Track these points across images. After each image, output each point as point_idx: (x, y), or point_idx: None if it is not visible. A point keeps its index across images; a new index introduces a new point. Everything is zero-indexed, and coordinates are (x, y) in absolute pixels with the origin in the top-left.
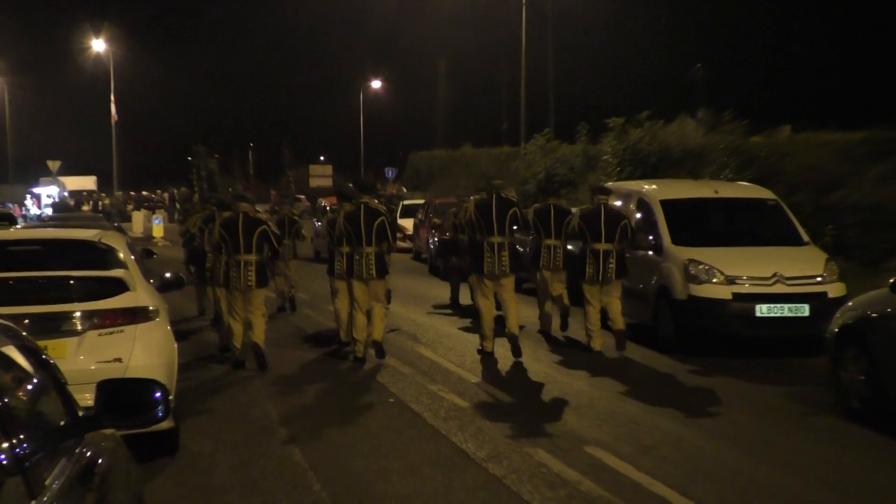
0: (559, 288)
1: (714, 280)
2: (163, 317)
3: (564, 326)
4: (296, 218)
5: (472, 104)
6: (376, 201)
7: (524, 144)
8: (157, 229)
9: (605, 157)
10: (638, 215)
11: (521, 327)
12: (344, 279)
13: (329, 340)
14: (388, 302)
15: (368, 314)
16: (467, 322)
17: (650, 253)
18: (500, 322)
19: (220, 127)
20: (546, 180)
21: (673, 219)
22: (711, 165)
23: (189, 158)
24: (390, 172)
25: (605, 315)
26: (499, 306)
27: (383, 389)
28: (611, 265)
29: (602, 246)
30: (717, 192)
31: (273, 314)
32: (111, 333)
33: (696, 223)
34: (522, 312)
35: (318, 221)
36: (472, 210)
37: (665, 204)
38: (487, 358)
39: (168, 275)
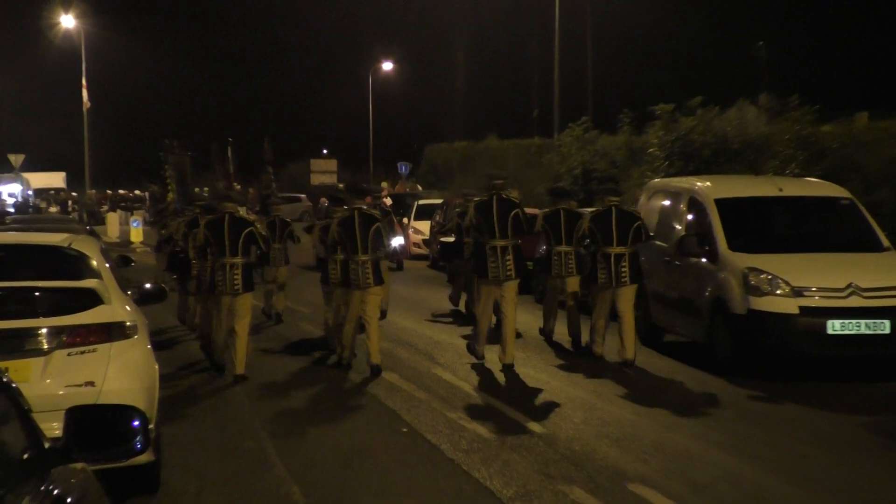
0: (570, 298)
1: (778, 292)
2: (142, 333)
3: (578, 337)
4: (288, 220)
5: (498, 89)
6: (375, 201)
7: (558, 135)
8: (136, 233)
9: (651, 149)
10: (689, 217)
11: (518, 335)
12: (339, 288)
13: (328, 357)
14: (383, 316)
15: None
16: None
17: (703, 261)
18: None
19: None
20: (583, 176)
21: (730, 221)
22: (775, 159)
23: (160, 154)
24: (403, 168)
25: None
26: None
27: (395, 417)
28: (623, 269)
29: (614, 249)
30: (781, 189)
31: (258, 324)
32: (82, 353)
33: (758, 226)
34: (524, 319)
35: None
36: (471, 212)
37: (721, 203)
38: (478, 366)
39: (148, 285)
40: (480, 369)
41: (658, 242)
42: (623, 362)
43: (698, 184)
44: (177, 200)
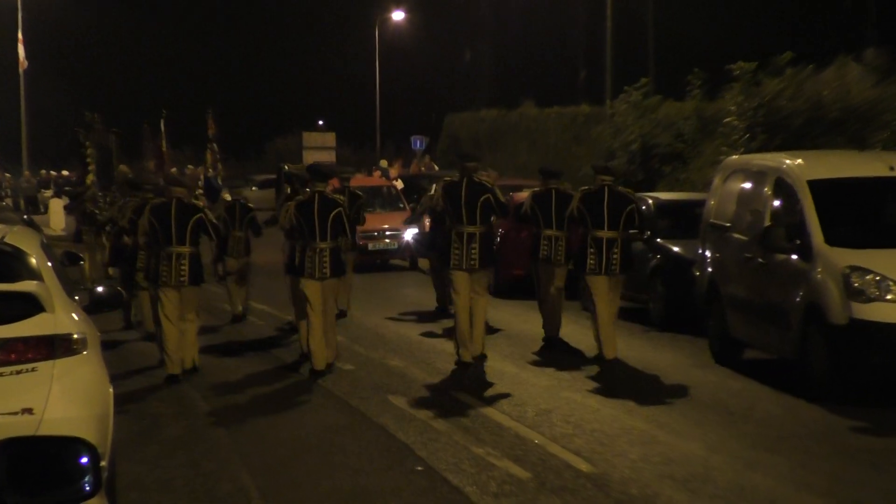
0: (555, 289)
1: (888, 297)
2: (92, 348)
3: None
4: (250, 205)
5: (535, 45)
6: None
7: (610, 102)
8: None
9: (727, 119)
10: (775, 203)
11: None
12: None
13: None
14: (342, 315)
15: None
16: (530, 355)
17: (794, 258)
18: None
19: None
20: (642, 153)
21: (827, 208)
22: (885, 130)
23: (80, 130)
24: (418, 143)
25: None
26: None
27: (407, 453)
28: (615, 256)
29: (605, 234)
30: (893, 168)
31: (216, 327)
32: (18, 373)
33: (862, 214)
34: (503, 316)
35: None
36: (439, 195)
37: (816, 186)
38: (463, 371)
39: (100, 288)
40: (518, 394)
41: (736, 235)
42: (603, 358)
43: (787, 161)
44: (97, 185)
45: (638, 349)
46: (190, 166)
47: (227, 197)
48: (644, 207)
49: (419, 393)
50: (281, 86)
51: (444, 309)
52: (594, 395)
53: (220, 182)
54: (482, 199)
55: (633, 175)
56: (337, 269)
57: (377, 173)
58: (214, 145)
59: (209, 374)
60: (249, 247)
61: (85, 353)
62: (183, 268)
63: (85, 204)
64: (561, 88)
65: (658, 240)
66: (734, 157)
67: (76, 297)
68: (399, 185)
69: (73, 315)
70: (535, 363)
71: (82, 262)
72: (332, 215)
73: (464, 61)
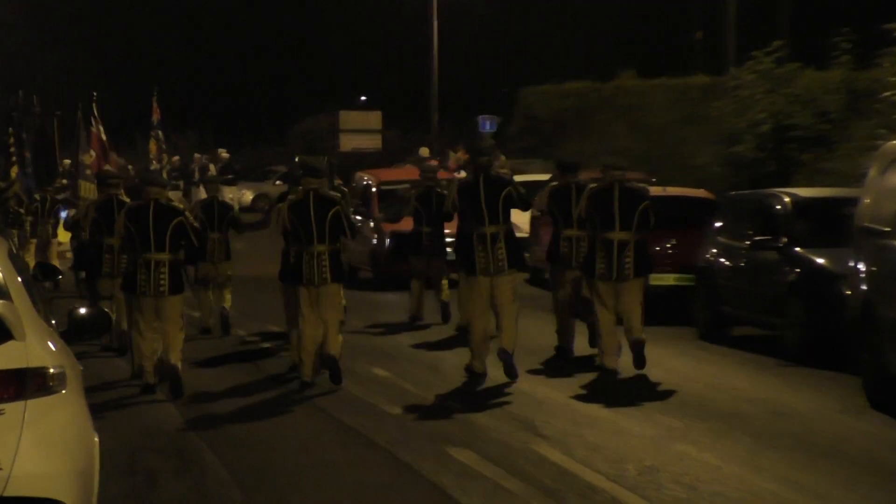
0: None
1: None
2: (72, 386)
3: (593, 342)
4: (229, 202)
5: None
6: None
7: (734, 71)
8: (63, 231)
9: (886, 93)
10: None
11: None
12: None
13: (326, 393)
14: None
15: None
16: (624, 394)
17: None
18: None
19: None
20: (774, 136)
21: None
22: None
23: (13, 115)
24: (487, 124)
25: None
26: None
27: None
28: (627, 260)
29: (616, 235)
30: None
31: (193, 337)
32: None
33: None
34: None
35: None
36: (453, 195)
37: None
38: (477, 380)
39: (83, 310)
40: (605, 443)
41: None
42: (635, 355)
43: None
44: (24, 179)
45: (769, 389)
46: (122, 162)
47: (203, 194)
48: (778, 207)
49: (486, 444)
50: (310, 51)
51: (418, 318)
52: (712, 448)
53: (165, 177)
54: (503, 194)
55: (762, 165)
56: (338, 274)
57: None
58: (159, 133)
59: (211, 407)
60: (229, 251)
61: (63, 391)
62: (162, 276)
63: (8, 203)
64: (669, 54)
65: (795, 249)
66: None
67: (53, 322)
68: (461, 176)
69: (49, 344)
70: (629, 404)
71: (61, 277)
72: (329, 214)
73: (542, 20)
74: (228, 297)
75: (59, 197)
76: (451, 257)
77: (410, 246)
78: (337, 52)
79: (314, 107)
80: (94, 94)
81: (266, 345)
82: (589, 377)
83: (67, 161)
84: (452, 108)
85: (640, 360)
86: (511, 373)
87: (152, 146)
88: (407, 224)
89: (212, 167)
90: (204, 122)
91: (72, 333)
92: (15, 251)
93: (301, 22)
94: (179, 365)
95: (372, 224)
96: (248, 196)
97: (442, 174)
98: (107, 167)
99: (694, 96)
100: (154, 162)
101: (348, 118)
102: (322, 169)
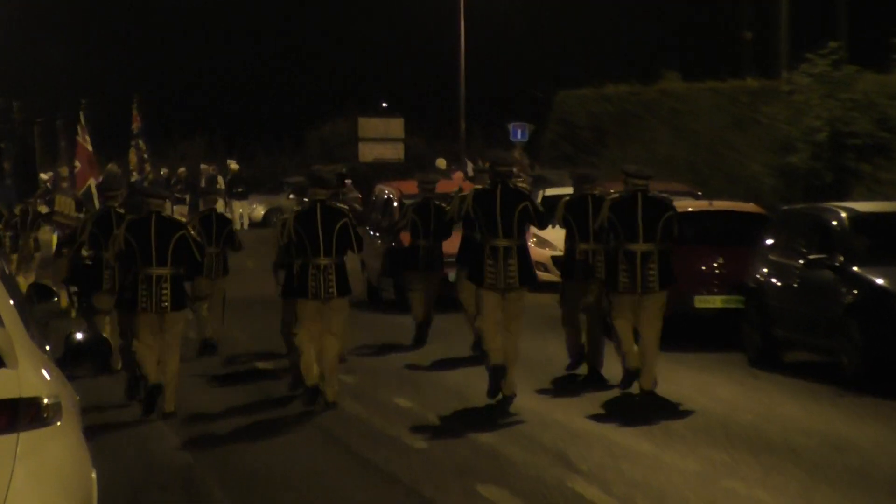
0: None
1: None
2: (69, 418)
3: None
4: (227, 216)
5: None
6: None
7: (787, 74)
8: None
9: None
10: None
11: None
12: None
13: (344, 424)
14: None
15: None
16: (667, 425)
17: None
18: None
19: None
20: (831, 144)
21: None
22: None
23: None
24: (518, 132)
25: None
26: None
27: None
28: (651, 271)
29: (639, 246)
30: None
31: (190, 357)
32: None
33: None
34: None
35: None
36: (470, 203)
37: None
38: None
39: (79, 335)
40: (649, 480)
41: None
42: (624, 377)
43: None
44: (2, 190)
45: (825, 420)
46: (110, 165)
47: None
48: (835, 223)
49: (518, 480)
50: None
51: (422, 340)
52: (762, 485)
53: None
54: (520, 207)
55: (817, 176)
56: (344, 288)
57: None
58: (140, 142)
59: (216, 436)
60: (227, 266)
61: (59, 423)
62: (164, 292)
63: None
64: (716, 57)
65: (853, 268)
66: None
67: (48, 348)
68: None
69: (43, 372)
70: (671, 436)
71: (57, 299)
72: (337, 226)
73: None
74: (222, 315)
75: (43, 211)
76: (452, 277)
77: (407, 261)
78: (356, 53)
79: (333, 111)
80: (83, 101)
81: (265, 366)
82: (623, 405)
83: (44, 176)
84: (481, 114)
85: (626, 383)
86: (492, 391)
87: (132, 157)
88: (404, 238)
89: (220, 179)
90: (214, 129)
91: (68, 360)
92: (8, 272)
93: (318, 21)
94: (174, 384)
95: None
96: (260, 211)
97: (466, 186)
98: (87, 180)
99: (743, 101)
100: (135, 173)
101: (368, 126)
102: (330, 180)
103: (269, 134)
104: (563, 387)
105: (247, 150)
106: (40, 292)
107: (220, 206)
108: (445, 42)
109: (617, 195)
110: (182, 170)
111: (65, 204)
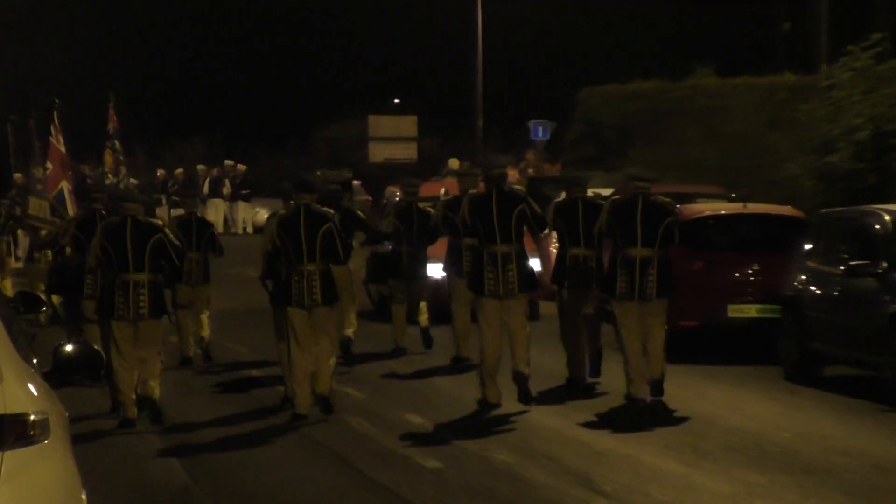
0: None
1: None
2: (56, 435)
3: (595, 371)
4: (209, 221)
5: None
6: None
7: (827, 68)
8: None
9: None
10: None
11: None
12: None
13: (352, 443)
14: (348, 361)
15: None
16: (701, 447)
17: None
18: None
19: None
20: (874, 144)
21: None
22: None
23: None
24: (539, 130)
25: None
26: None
27: None
28: (650, 278)
29: (638, 252)
30: None
31: (173, 367)
32: None
33: None
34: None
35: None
36: (465, 209)
37: None
38: (489, 411)
39: (69, 347)
40: (674, 502)
41: None
42: (632, 397)
43: None
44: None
45: (867, 438)
46: (84, 167)
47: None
48: (878, 227)
49: (538, 503)
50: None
51: (402, 348)
52: None
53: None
54: (517, 210)
55: (859, 177)
56: (329, 295)
57: (442, 186)
58: (116, 144)
59: (213, 453)
60: (209, 273)
61: (46, 441)
62: (142, 298)
63: None
64: (751, 50)
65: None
66: None
67: (35, 361)
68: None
69: (30, 386)
70: (702, 455)
71: (45, 310)
72: (321, 232)
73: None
74: (207, 323)
75: (17, 212)
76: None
77: (389, 268)
78: (366, 48)
79: (341, 111)
80: (56, 100)
81: (261, 374)
82: (650, 423)
83: (18, 176)
84: (499, 111)
85: (657, 392)
86: (525, 398)
87: (108, 158)
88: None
89: (227, 182)
90: (213, 129)
91: (57, 374)
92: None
93: (324, 12)
94: (158, 392)
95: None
96: (263, 215)
97: (451, 187)
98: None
99: (780, 98)
100: (110, 175)
101: (379, 124)
102: (315, 184)
103: (272, 134)
104: (583, 403)
105: (248, 152)
106: (27, 301)
107: (241, 211)
108: (462, 35)
109: (617, 198)
110: (179, 171)
111: (39, 207)
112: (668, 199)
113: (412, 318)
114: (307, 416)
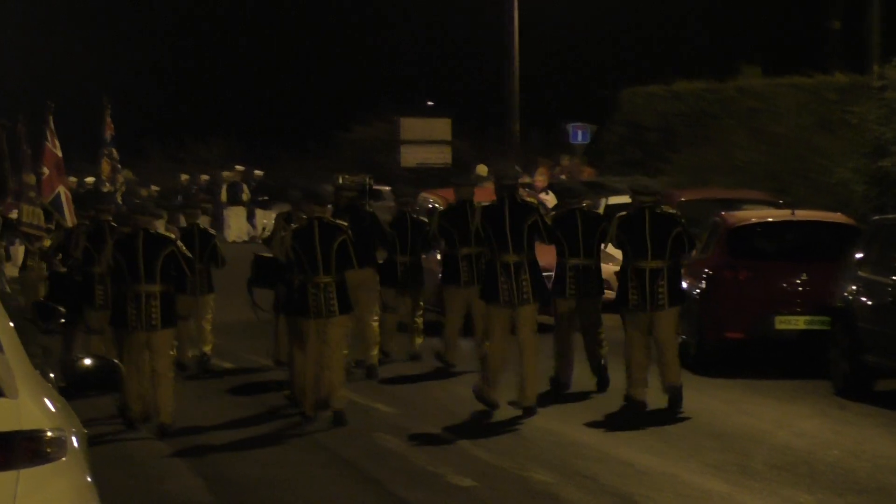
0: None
1: None
2: (74, 452)
3: (604, 383)
4: (211, 231)
5: None
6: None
7: (879, 68)
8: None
9: None
10: None
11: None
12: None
13: (379, 462)
14: (372, 374)
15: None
16: (744, 463)
17: None
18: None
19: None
20: None
21: None
22: None
23: None
24: (579, 133)
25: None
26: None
27: None
28: (661, 288)
29: (648, 263)
30: None
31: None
32: None
33: None
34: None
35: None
36: (478, 219)
37: None
38: (489, 411)
39: (88, 360)
40: None
41: None
42: (632, 399)
43: None
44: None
45: None
46: (89, 179)
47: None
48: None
49: None
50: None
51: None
52: None
53: (119, 200)
54: (529, 222)
55: None
56: (345, 306)
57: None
58: (113, 151)
59: (236, 471)
60: (212, 283)
61: (63, 459)
62: (154, 309)
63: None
64: (801, 48)
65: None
66: None
67: (51, 375)
68: (550, 199)
69: (46, 402)
70: (748, 474)
71: (63, 321)
72: (336, 244)
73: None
74: (209, 335)
75: (11, 217)
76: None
77: (382, 277)
78: (397, 47)
79: (366, 112)
80: (52, 104)
81: (275, 380)
82: (685, 436)
83: (128, 173)
84: (537, 114)
85: (675, 404)
86: (530, 412)
87: (105, 166)
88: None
89: (245, 187)
90: (232, 132)
91: (74, 389)
92: (9, 289)
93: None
94: (171, 419)
95: (439, 256)
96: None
97: (450, 195)
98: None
99: (830, 99)
100: (108, 184)
101: (411, 126)
102: (326, 195)
103: (294, 137)
104: (622, 418)
105: (268, 155)
106: (44, 313)
107: (260, 218)
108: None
109: (625, 212)
110: (185, 177)
111: (32, 214)
112: (674, 211)
113: (402, 327)
114: (314, 417)
